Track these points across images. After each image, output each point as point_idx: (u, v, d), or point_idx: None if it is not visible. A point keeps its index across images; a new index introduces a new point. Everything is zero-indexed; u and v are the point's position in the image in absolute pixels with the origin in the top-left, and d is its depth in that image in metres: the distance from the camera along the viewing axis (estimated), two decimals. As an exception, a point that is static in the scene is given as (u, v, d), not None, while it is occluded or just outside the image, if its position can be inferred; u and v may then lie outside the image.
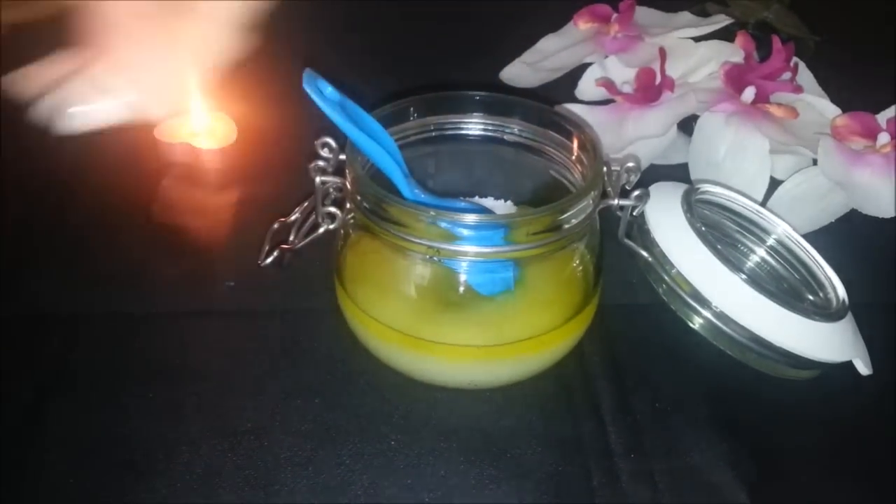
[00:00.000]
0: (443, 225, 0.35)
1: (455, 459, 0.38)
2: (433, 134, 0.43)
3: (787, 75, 0.57)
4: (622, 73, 0.60)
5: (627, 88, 0.57)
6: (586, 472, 0.38)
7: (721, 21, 0.63)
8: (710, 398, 0.41)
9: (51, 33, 0.55)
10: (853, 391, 0.41)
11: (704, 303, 0.40)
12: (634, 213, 0.41)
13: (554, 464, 0.38)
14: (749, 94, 0.54)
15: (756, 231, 0.46)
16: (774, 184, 0.52)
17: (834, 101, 0.57)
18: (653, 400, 0.41)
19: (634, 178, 0.41)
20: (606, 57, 0.62)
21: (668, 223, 0.41)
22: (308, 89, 0.35)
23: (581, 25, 0.65)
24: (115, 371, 0.41)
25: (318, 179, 0.39)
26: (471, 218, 0.35)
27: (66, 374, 0.41)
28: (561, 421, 0.40)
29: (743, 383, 0.41)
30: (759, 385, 0.41)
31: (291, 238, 0.40)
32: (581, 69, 0.62)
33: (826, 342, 0.39)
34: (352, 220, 0.39)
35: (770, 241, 0.46)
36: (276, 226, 0.42)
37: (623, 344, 0.44)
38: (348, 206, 0.39)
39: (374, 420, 0.39)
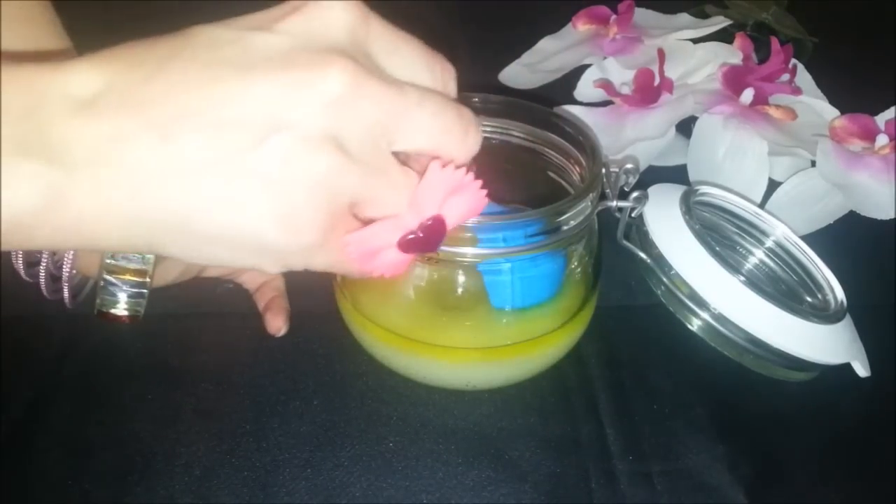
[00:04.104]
0: None
1: (453, 461, 0.38)
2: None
3: (785, 77, 0.58)
4: (621, 74, 0.60)
5: (626, 90, 0.57)
6: (584, 473, 0.38)
7: (719, 23, 0.63)
8: (708, 400, 0.41)
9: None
10: (851, 393, 0.41)
11: (703, 304, 0.40)
12: (633, 215, 0.41)
13: (552, 465, 0.38)
14: (747, 95, 0.54)
15: (755, 233, 0.46)
16: (773, 185, 0.53)
17: (832, 102, 0.57)
18: (651, 401, 0.41)
19: (633, 180, 0.41)
20: (605, 58, 0.62)
21: (666, 225, 0.41)
22: None
23: (580, 27, 0.65)
24: (114, 372, 0.41)
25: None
26: (469, 220, 0.35)
27: (65, 374, 0.41)
28: (559, 422, 0.40)
29: (741, 385, 0.41)
30: (758, 386, 0.41)
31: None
32: (580, 71, 0.62)
33: (824, 344, 0.39)
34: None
35: (769, 243, 0.46)
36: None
37: (621, 345, 0.44)
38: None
39: (373, 422, 0.39)
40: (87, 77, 0.24)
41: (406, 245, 0.28)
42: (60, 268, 0.36)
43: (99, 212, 0.24)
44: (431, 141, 0.27)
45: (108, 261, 0.34)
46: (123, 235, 0.25)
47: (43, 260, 0.36)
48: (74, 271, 0.37)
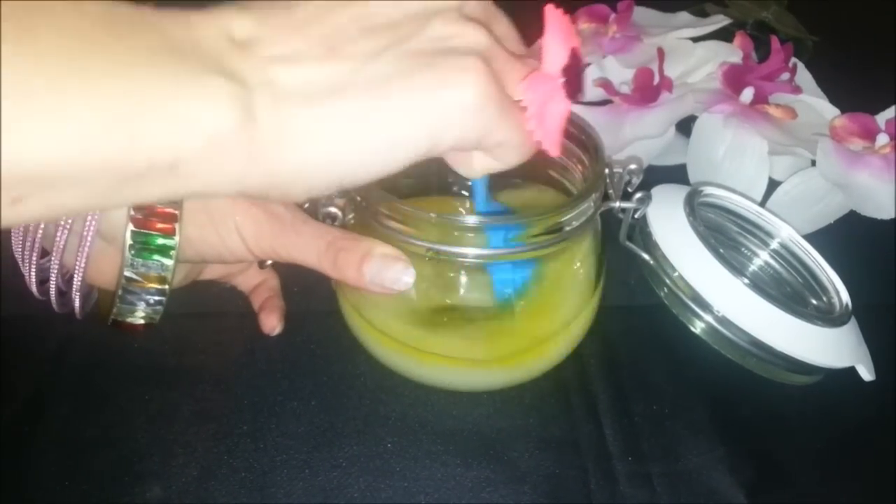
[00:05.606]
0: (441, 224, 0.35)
1: (452, 462, 0.38)
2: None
3: (785, 76, 0.57)
4: (620, 73, 0.59)
5: (625, 89, 0.57)
6: (584, 474, 0.38)
7: (719, 21, 0.63)
8: (709, 401, 0.41)
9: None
10: (855, 396, 0.41)
11: (706, 307, 0.39)
12: (636, 216, 0.40)
13: (551, 466, 0.38)
14: (747, 94, 0.54)
15: (759, 234, 0.46)
16: (773, 185, 0.52)
17: (832, 101, 0.57)
18: (651, 402, 0.41)
19: (637, 180, 0.41)
20: (605, 57, 0.61)
21: (670, 226, 0.41)
22: None
23: (579, 26, 0.65)
24: (113, 372, 0.41)
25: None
26: (472, 220, 0.35)
27: (64, 374, 0.41)
28: (558, 423, 0.40)
29: (743, 387, 0.41)
30: (759, 389, 0.41)
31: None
32: (579, 69, 0.62)
33: (828, 347, 0.39)
34: (352, 222, 0.39)
35: (773, 245, 0.46)
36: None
37: (622, 346, 0.44)
38: (349, 207, 0.38)
39: (371, 422, 0.39)
40: (240, 18, 0.25)
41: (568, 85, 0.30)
42: (68, 282, 0.36)
43: (282, 128, 0.24)
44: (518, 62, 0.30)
45: (128, 273, 0.34)
46: (308, 155, 0.25)
47: (52, 275, 0.35)
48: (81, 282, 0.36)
